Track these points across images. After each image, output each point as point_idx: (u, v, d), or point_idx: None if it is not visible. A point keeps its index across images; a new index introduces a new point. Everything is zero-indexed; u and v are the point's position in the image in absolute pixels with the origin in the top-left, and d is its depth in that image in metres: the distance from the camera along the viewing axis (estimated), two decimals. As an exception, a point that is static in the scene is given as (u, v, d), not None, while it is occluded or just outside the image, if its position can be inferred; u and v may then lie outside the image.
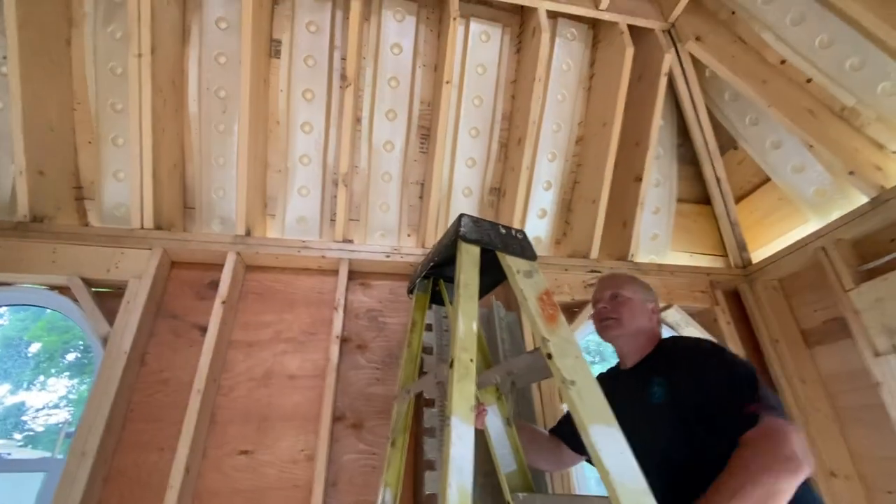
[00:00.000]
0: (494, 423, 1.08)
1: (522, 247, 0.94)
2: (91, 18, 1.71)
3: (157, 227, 1.69)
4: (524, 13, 1.99)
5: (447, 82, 1.75)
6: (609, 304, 1.25)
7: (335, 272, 1.86)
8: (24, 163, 1.55)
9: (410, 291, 1.24)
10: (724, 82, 1.98)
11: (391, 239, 2.02)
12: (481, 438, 0.98)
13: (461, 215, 0.94)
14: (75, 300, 1.55)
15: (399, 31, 1.91)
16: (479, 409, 1.11)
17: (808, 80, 1.78)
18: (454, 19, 1.71)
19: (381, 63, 1.90)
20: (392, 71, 1.92)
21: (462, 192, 2.07)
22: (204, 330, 1.63)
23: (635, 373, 1.20)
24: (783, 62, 1.82)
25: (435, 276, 1.19)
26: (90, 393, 1.38)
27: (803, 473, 0.83)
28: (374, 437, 1.60)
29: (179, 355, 1.60)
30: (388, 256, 1.81)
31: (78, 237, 1.60)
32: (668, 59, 1.88)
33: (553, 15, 1.95)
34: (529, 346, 1.66)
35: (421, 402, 1.39)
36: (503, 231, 0.94)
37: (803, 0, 1.67)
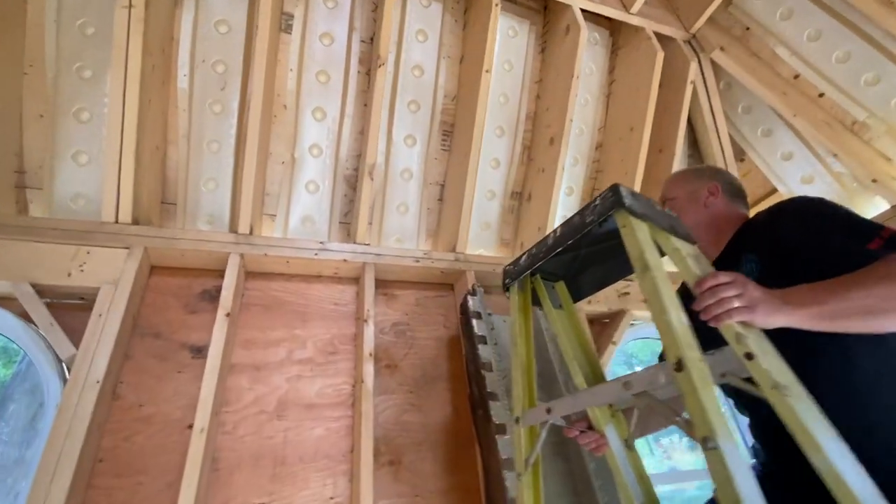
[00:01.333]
0: (615, 447, 0.90)
1: (680, 228, 0.79)
2: (54, -37, 1.37)
3: (135, 222, 1.34)
4: (549, 12, 1.92)
5: (486, 71, 1.61)
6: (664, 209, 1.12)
7: (355, 280, 1.60)
8: (-48, 131, 1.16)
9: (507, 289, 1.03)
10: (739, 94, 2.03)
11: (409, 244, 1.80)
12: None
13: (616, 185, 0.77)
14: (23, 315, 1.16)
15: (425, 18, 1.75)
16: (594, 439, 0.92)
17: (821, 95, 1.86)
18: (496, 5, 1.59)
19: (404, 50, 1.72)
20: (417, 59, 1.75)
21: (485, 195, 1.91)
22: (198, 351, 1.30)
23: (720, 263, 1.03)
24: (797, 77, 1.89)
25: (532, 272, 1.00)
26: (47, 441, 1.00)
27: None
28: (417, 477, 1.33)
29: (165, 384, 1.24)
30: (417, 261, 1.59)
31: (27, 231, 1.21)
32: (694, 67, 1.88)
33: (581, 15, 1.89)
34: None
35: (492, 428, 1.17)
36: (658, 208, 0.79)
37: (822, 17, 1.75)
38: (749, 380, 0.60)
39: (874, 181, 1.72)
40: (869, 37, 1.68)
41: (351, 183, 1.75)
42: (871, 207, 1.89)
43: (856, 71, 1.75)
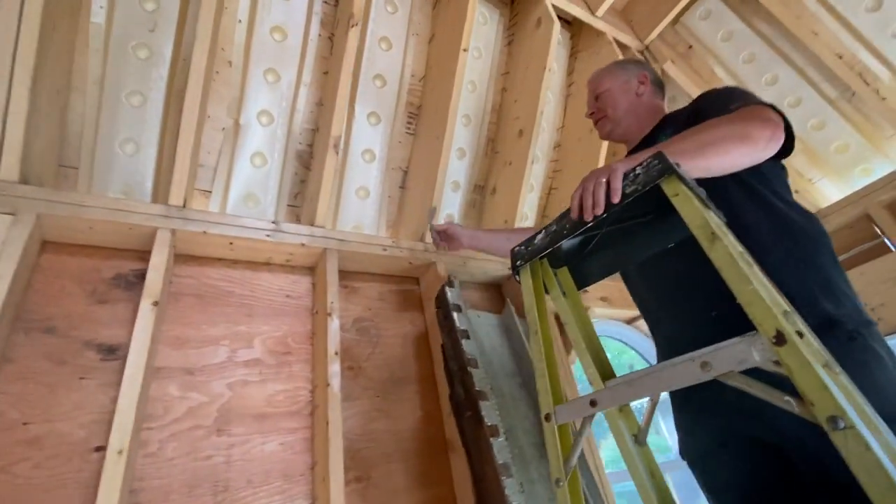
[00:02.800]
0: (625, 444, 0.83)
1: (709, 200, 0.74)
2: None
3: (24, 181, 1.02)
4: (517, 4, 1.89)
5: (464, 50, 1.51)
6: (595, 106, 1.23)
7: (310, 269, 1.38)
8: None
9: (516, 273, 0.92)
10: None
11: (369, 232, 1.62)
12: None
13: (660, 152, 0.71)
14: None
15: (395, -11, 1.61)
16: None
17: (751, 113, 2.05)
18: (477, -18, 1.51)
19: (372, 19, 1.57)
20: (384, 31, 1.60)
21: (450, 186, 1.80)
22: (109, 351, 1.01)
23: (643, 145, 1.13)
24: (731, 95, 2.06)
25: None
26: None
27: (779, 131, 0.82)
28: (387, 495, 1.16)
29: (61, 395, 0.94)
30: (385, 250, 1.42)
31: None
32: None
33: (548, 13, 1.89)
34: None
35: (484, 431, 1.04)
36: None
37: (756, 42, 1.93)
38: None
39: (796, 192, 1.92)
40: (794, 63, 1.89)
41: (303, 160, 1.54)
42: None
43: (781, 93, 1.95)
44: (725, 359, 0.55)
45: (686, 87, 2.03)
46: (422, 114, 1.71)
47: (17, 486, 0.83)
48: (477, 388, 1.11)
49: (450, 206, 1.81)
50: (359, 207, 1.60)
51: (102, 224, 1.06)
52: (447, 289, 1.30)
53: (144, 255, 1.11)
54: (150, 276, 1.04)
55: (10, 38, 0.96)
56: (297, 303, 1.31)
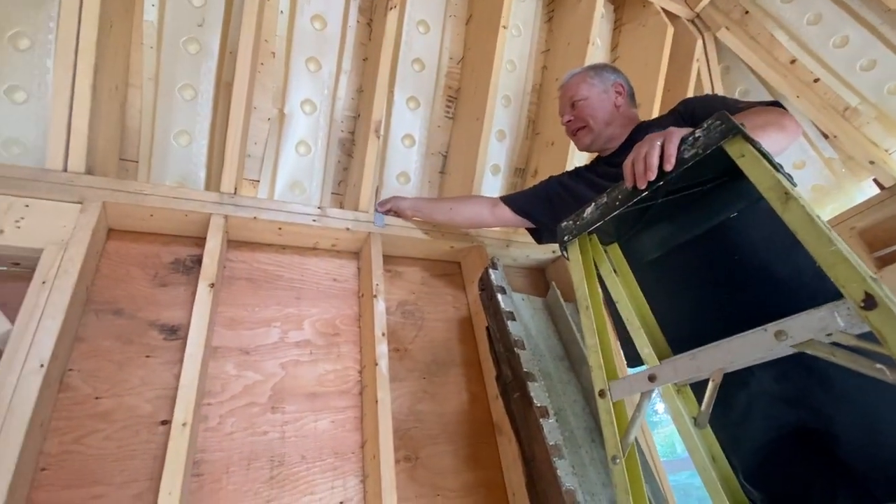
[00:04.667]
0: (684, 427, 0.78)
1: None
2: None
3: (89, 172, 1.08)
4: (557, -20, 1.82)
5: (504, 27, 1.47)
6: (572, 113, 1.18)
7: (355, 254, 1.40)
8: None
9: (564, 249, 0.89)
10: (737, 77, 2.03)
11: (410, 219, 1.62)
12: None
13: (720, 112, 0.66)
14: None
15: (432, -31, 1.59)
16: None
17: (816, 80, 1.88)
18: (516, -44, 1.46)
19: (410, 3, 1.55)
20: (422, 13, 1.58)
21: (490, 170, 1.77)
22: (171, 331, 1.06)
23: (619, 154, 1.12)
24: (793, 62, 1.91)
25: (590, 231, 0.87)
26: (-33, 442, 0.74)
27: (800, 130, 0.85)
28: (436, 475, 1.16)
29: (128, 372, 0.99)
30: (426, 234, 1.42)
31: (-60, 174, 0.93)
32: (700, 46, 1.85)
33: (590, -15, 1.81)
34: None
35: (534, 412, 1.02)
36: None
37: (822, 2, 1.77)
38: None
39: (871, 163, 1.76)
40: (867, 22, 1.72)
41: (345, 147, 1.55)
42: (859, 193, 1.94)
43: (852, 56, 1.78)
44: (805, 327, 0.50)
45: (744, 56, 1.90)
46: (460, 97, 1.69)
47: (90, 457, 0.89)
48: (525, 370, 1.09)
49: (490, 190, 1.78)
50: (399, 193, 1.60)
51: (161, 211, 1.11)
52: (490, 271, 1.28)
53: (200, 241, 1.16)
54: (205, 259, 1.08)
55: (72, 37, 1.02)
56: (344, 286, 1.33)
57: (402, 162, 1.61)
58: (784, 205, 0.57)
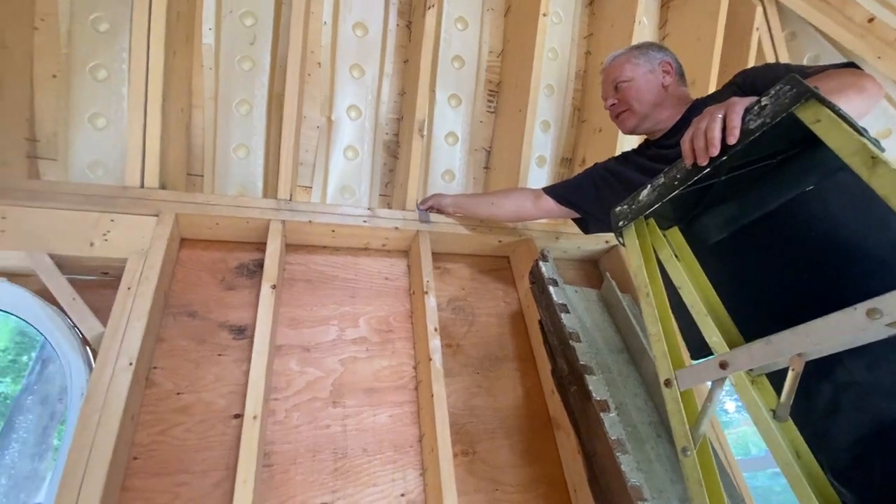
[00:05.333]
0: (762, 421, 0.72)
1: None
2: None
3: (163, 187, 1.18)
4: (597, -39, 1.76)
5: (544, 15, 1.44)
6: (615, 97, 1.13)
7: (404, 252, 1.43)
8: (-46, 83, 1.00)
9: (620, 234, 0.86)
10: (805, 44, 1.87)
11: (457, 216, 1.63)
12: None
13: (790, 75, 0.61)
14: (39, 291, 1.00)
15: (467, -35, 1.59)
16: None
17: (899, 38, 1.69)
18: (551, -59, 1.43)
19: (448, 1, 1.56)
20: (460, 10, 1.59)
21: (535, 162, 1.74)
22: (239, 331, 1.13)
23: (672, 135, 1.06)
24: (871, 20, 1.72)
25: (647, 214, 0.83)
26: (73, 436, 0.83)
27: (882, 91, 0.78)
28: (494, 469, 1.16)
29: (204, 369, 1.07)
30: (473, 229, 1.42)
31: (42, 196, 1.05)
32: (761, 13, 1.72)
33: (632, -38, 1.74)
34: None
35: (593, 406, 0.99)
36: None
37: (904, -52, 1.59)
38: None
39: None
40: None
41: (391, 150, 1.59)
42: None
43: (945, 6, 1.58)
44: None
45: (813, 19, 1.74)
46: (502, 90, 1.67)
47: (174, 447, 0.96)
48: (581, 363, 1.06)
49: (536, 183, 1.75)
50: (445, 191, 1.62)
51: (225, 220, 1.19)
52: (541, 263, 1.26)
53: (261, 245, 1.23)
54: (267, 262, 1.14)
55: (142, 66, 1.11)
56: (395, 284, 1.36)
57: (447, 160, 1.62)
58: (871, 170, 0.51)
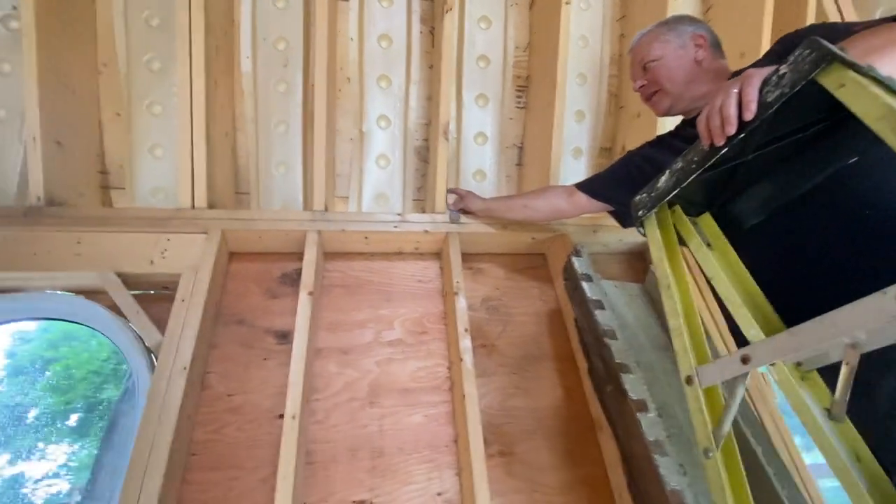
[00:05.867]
0: (815, 421, 0.65)
1: None
2: (119, -39, 1.37)
3: (211, 207, 1.29)
4: (626, -61, 1.68)
5: (567, 3, 1.40)
6: (644, 78, 1.06)
7: (437, 255, 1.45)
8: (39, 130, 1.16)
9: (640, 224, 0.82)
10: (878, -4, 1.66)
11: (491, 215, 1.62)
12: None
13: (811, 38, 0.55)
14: (111, 307, 1.13)
15: (487, -36, 1.59)
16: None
17: None
18: (570, -74, 1.39)
19: (469, 1, 1.57)
20: (483, 9, 1.58)
21: (571, 154, 1.69)
22: (282, 336, 1.20)
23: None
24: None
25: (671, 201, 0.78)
26: (138, 431, 0.94)
27: None
28: (532, 470, 1.14)
29: (252, 373, 1.16)
30: (504, 228, 1.40)
31: (110, 221, 1.19)
32: (818, -31, 1.55)
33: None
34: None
35: (629, 405, 0.95)
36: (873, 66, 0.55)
37: None
38: None
39: None
40: None
41: (422, 155, 1.62)
42: None
43: None
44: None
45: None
46: (531, 84, 1.64)
47: (227, 445, 1.05)
48: (617, 361, 1.01)
49: (573, 176, 1.69)
50: (477, 191, 1.60)
51: (267, 233, 1.28)
52: (574, 259, 1.22)
53: (301, 255, 1.30)
54: (304, 270, 1.21)
55: (186, 98, 1.23)
56: (429, 286, 1.38)
57: (477, 160, 1.62)
58: (898, 136, 0.45)
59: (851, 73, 0.51)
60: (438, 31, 1.46)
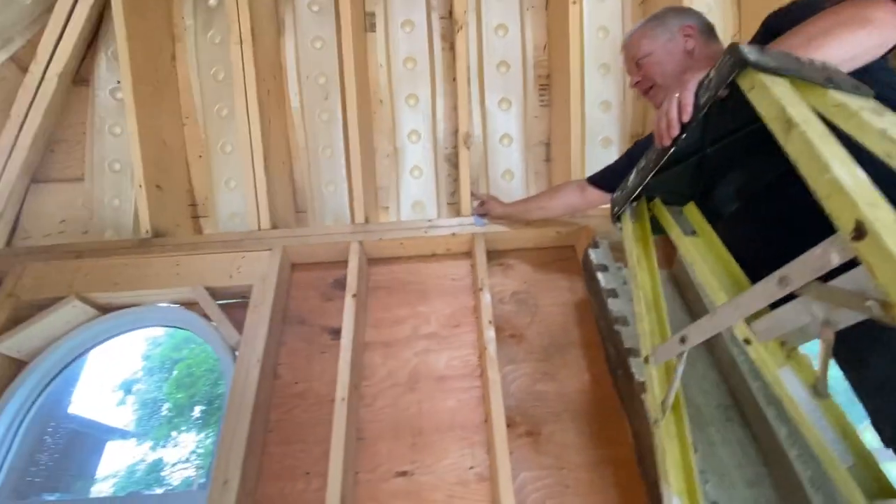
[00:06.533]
0: (799, 398, 0.68)
1: (843, 80, 0.57)
2: (191, 30, 1.67)
3: (274, 227, 1.53)
4: (643, -79, 1.66)
5: (573, 3, 1.45)
6: (639, 74, 1.09)
7: (467, 254, 1.57)
8: (143, 178, 1.48)
9: (617, 219, 0.89)
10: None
11: (522, 212, 1.70)
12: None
13: (732, 44, 0.60)
14: (203, 315, 1.41)
15: (500, -26, 1.67)
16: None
17: None
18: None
19: (484, 11, 1.66)
20: (499, 18, 1.67)
21: (599, 144, 1.72)
22: (335, 333, 1.41)
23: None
24: None
25: (649, 194, 0.84)
26: (225, 413, 1.19)
27: None
28: (557, 448, 1.23)
29: (313, 364, 1.38)
30: (528, 224, 1.49)
31: (199, 246, 1.48)
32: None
33: None
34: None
35: (635, 387, 1.01)
36: (806, 61, 0.58)
37: None
38: None
39: None
40: None
41: (453, 162, 1.74)
42: None
43: None
44: (803, 268, 0.45)
45: None
46: (552, 82, 1.70)
47: (295, 424, 1.27)
48: (626, 346, 1.07)
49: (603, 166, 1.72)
50: (506, 190, 1.71)
51: (319, 246, 1.50)
52: (591, 251, 1.28)
53: (347, 263, 1.50)
54: (349, 276, 1.41)
55: (246, 136, 1.47)
56: (461, 283, 1.52)
57: (504, 161, 1.71)
58: (786, 136, 0.50)
59: (760, 76, 0.56)
60: (456, 47, 1.57)
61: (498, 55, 1.68)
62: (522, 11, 1.68)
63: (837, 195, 0.43)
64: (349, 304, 1.36)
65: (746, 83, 0.58)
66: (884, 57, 0.72)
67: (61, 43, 1.47)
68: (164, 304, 1.45)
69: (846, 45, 0.64)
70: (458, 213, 1.71)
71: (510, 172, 1.71)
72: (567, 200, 1.33)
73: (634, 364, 1.05)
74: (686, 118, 0.66)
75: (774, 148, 0.75)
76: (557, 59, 1.65)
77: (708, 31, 1.06)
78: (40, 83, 1.48)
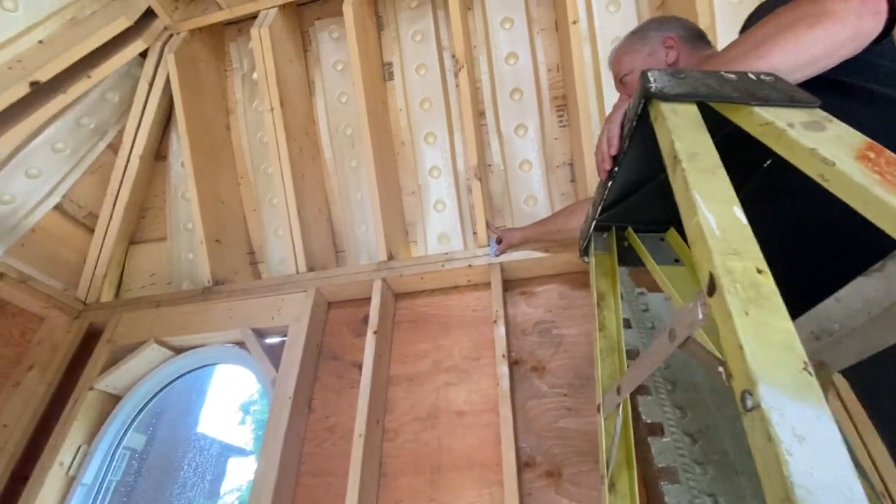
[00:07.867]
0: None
1: (783, 92, 0.50)
2: (241, 102, 1.92)
3: (311, 270, 1.67)
4: (654, -78, 1.57)
5: (574, 23, 1.42)
6: (625, 92, 1.05)
7: (488, 284, 1.57)
8: (203, 234, 1.72)
9: (585, 252, 0.85)
10: None
11: (548, 237, 1.66)
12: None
13: (643, 71, 0.56)
14: (251, 352, 1.58)
15: (506, 4, 1.68)
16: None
17: None
18: (566, -51, 1.41)
19: (493, 44, 1.69)
20: (508, 47, 1.68)
21: (626, 159, 1.62)
22: (362, 367, 1.48)
23: None
24: None
25: (619, 224, 0.79)
26: (262, 444, 1.31)
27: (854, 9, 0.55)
28: (580, 489, 1.16)
29: (343, 398, 1.46)
30: (546, 251, 1.45)
31: (248, 292, 1.66)
32: None
33: None
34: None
35: (641, 429, 0.93)
36: (732, 77, 0.52)
37: None
38: None
39: None
40: None
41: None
42: None
43: None
44: (681, 321, 0.41)
45: None
46: (569, 101, 1.65)
47: (324, 457, 1.36)
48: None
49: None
50: (531, 215, 1.68)
51: (348, 285, 1.60)
52: (603, 276, 1.21)
53: (375, 299, 1.58)
54: (371, 313, 1.48)
55: (282, 190, 1.64)
56: (481, 314, 1.51)
57: (525, 187, 1.69)
58: (673, 174, 0.46)
59: (660, 106, 0.52)
60: (460, 81, 1.61)
61: (509, 84, 1.68)
62: (532, 36, 1.68)
63: (698, 242, 0.38)
64: (370, 340, 1.42)
65: (653, 113, 0.53)
66: (880, 43, 0.61)
67: (140, 129, 1.79)
68: (221, 344, 1.65)
69: (801, 48, 0.56)
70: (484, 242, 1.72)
71: (533, 197, 1.68)
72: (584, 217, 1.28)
73: (643, 403, 0.96)
74: (614, 152, 0.62)
75: (731, 167, 0.68)
76: (572, 77, 1.61)
77: (694, 37, 0.98)
78: (126, 164, 1.80)
